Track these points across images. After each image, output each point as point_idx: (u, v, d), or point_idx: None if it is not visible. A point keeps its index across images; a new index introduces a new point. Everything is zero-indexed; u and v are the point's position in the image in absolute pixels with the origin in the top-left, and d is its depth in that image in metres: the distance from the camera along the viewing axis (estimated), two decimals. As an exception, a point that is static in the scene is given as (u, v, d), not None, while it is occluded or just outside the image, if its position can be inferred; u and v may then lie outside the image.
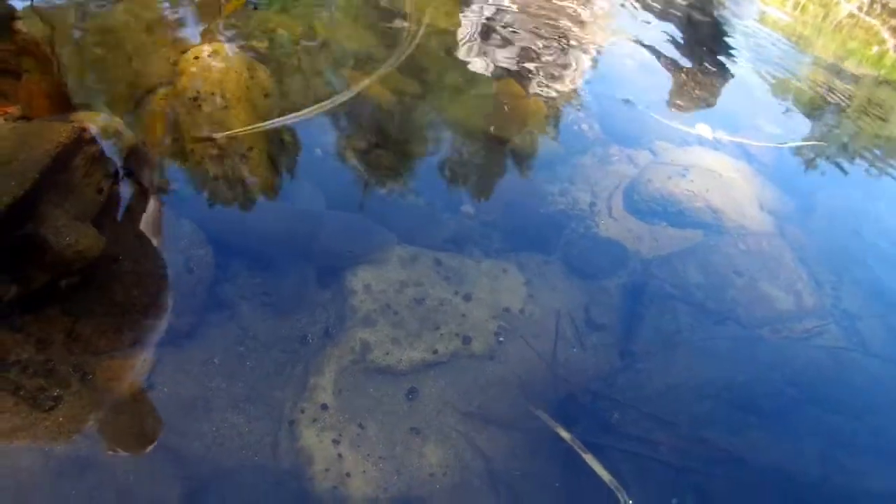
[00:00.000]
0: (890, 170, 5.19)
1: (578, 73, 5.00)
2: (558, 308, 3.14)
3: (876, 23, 9.94)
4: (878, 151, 5.44)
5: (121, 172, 2.82)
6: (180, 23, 4.11)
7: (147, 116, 3.25)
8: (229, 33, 4.05)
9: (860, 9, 10.58)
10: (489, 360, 2.85)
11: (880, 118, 6.20)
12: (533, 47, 5.15)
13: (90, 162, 2.64)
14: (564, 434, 2.57)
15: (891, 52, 8.77)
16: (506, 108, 4.26)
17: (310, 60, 4.10)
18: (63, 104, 3.19)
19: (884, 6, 10.87)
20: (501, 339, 2.92)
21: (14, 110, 2.94)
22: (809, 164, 4.91)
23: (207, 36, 3.94)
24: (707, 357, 3.10)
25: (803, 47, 7.71)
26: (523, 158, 3.98)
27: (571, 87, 4.80)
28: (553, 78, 4.80)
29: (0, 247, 2.28)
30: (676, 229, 3.78)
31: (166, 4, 4.26)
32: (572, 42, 5.43)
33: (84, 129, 2.65)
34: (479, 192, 3.63)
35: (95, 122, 2.77)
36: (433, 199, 3.51)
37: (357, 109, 3.85)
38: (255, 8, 4.47)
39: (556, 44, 5.31)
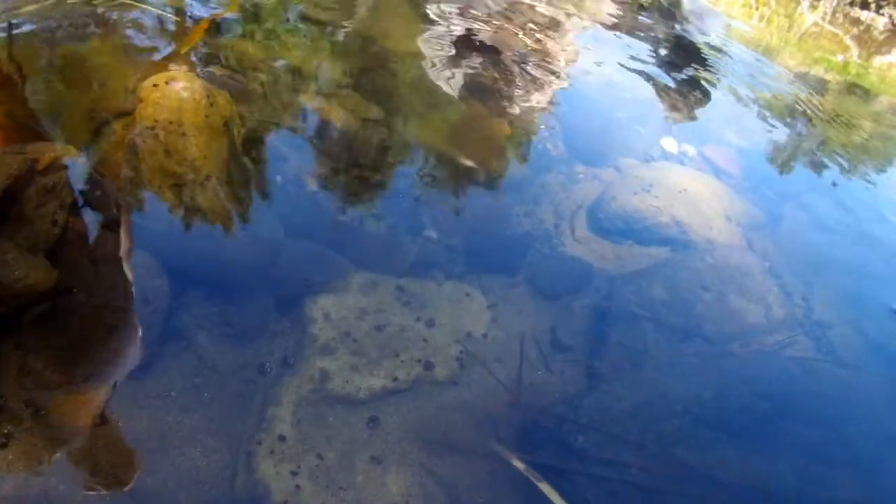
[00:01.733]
0: (857, 176, 5.24)
1: (543, 93, 5.00)
2: (523, 330, 3.12)
3: (839, 32, 10.10)
4: (845, 158, 5.49)
5: (77, 203, 2.79)
6: (145, 49, 4.09)
7: (105, 146, 3.22)
8: (192, 60, 4.03)
9: (823, 18, 10.74)
10: (452, 386, 2.81)
11: (847, 125, 6.27)
12: (497, 68, 5.15)
13: (44, 193, 2.61)
14: (518, 464, 2.54)
15: (855, 60, 8.90)
16: (469, 129, 4.26)
17: (273, 87, 4.08)
18: (20, 134, 3.16)
19: (846, 16, 11.05)
20: (464, 364, 2.89)
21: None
22: (778, 174, 4.94)
23: (170, 63, 3.92)
24: (675, 374, 3.08)
25: (770, 58, 7.79)
26: (487, 180, 3.96)
27: (536, 106, 4.80)
28: (518, 98, 4.80)
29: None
30: (642, 246, 3.76)
31: (134, 32, 4.24)
32: (537, 62, 5.44)
33: (37, 160, 2.62)
34: (442, 216, 3.59)
35: (51, 152, 2.74)
36: (395, 224, 3.47)
37: (318, 134, 3.83)
38: (222, 32, 4.47)
39: (520, 64, 5.32)
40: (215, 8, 4.85)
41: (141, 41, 4.16)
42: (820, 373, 3.29)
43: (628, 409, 2.87)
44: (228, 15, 4.83)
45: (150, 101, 3.19)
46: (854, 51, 9.40)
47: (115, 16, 4.34)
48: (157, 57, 4.02)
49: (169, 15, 4.54)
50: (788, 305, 3.62)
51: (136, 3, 4.45)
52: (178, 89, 3.24)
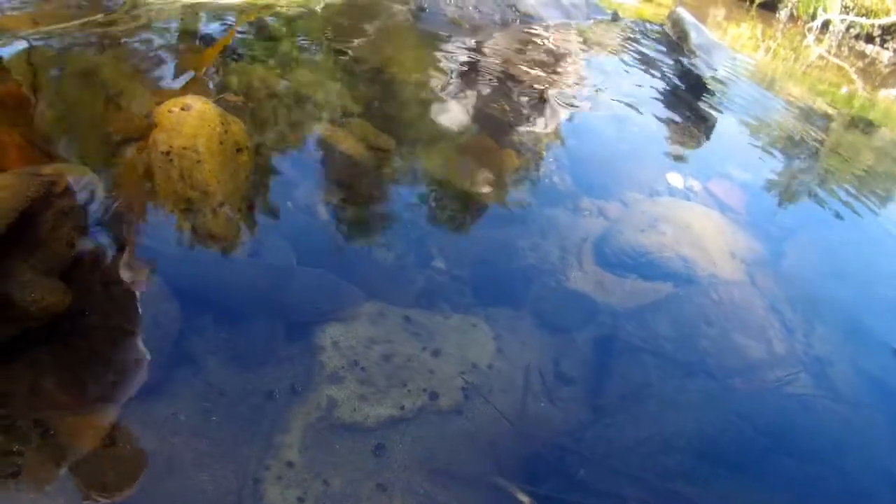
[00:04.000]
0: (859, 210, 5.27)
1: (550, 125, 5.06)
2: (527, 362, 3.14)
3: (845, 65, 10.19)
4: (846, 193, 5.53)
5: (91, 226, 2.82)
6: (160, 73, 4.15)
7: (120, 169, 3.26)
8: (206, 85, 4.09)
9: (829, 51, 10.85)
10: (456, 416, 2.83)
11: (850, 158, 6.32)
12: (506, 100, 5.21)
13: (60, 216, 2.64)
14: (524, 498, 2.56)
15: (860, 93, 8.97)
16: (477, 161, 4.30)
17: (286, 114, 4.14)
18: (36, 155, 3.20)
19: (851, 49, 11.16)
20: (469, 394, 2.91)
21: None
22: (781, 210, 4.98)
23: (185, 88, 3.97)
24: (677, 409, 3.10)
25: (774, 91, 7.87)
26: (495, 212, 4.01)
27: (544, 138, 4.86)
28: (525, 130, 4.86)
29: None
30: (647, 281, 3.80)
31: (148, 54, 4.30)
32: (545, 95, 5.50)
33: (54, 183, 2.66)
34: (450, 247, 3.63)
35: (67, 174, 2.78)
36: (404, 254, 3.51)
37: (329, 162, 3.88)
38: (235, 58, 4.53)
39: (529, 96, 5.38)
40: (228, 25, 4.94)
41: (155, 63, 4.23)
42: (819, 409, 3.30)
43: (630, 442, 2.89)
44: (239, 28, 4.91)
45: (165, 125, 3.24)
46: (859, 84, 9.48)
47: (128, 38, 4.41)
48: (170, 79, 4.08)
49: (178, 37, 4.62)
50: (789, 342, 3.64)
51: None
52: (192, 115, 3.28)
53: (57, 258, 2.60)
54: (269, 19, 5.47)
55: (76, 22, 4.42)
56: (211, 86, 4.12)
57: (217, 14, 5.24)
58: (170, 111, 3.29)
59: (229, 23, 5.11)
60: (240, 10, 5.44)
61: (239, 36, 4.95)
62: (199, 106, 3.34)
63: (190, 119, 3.26)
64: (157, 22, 4.85)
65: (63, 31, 4.29)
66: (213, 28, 4.94)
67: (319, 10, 6.00)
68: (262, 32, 5.18)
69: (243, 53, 4.68)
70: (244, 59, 4.60)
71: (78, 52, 4.12)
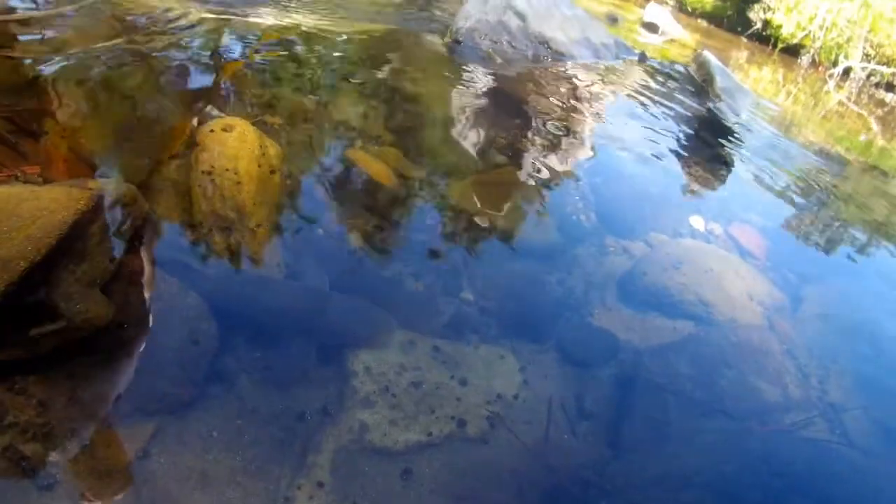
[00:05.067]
0: (874, 259, 5.32)
1: (577, 162, 5.13)
2: (551, 395, 3.19)
3: (864, 112, 10.26)
4: (863, 240, 5.58)
5: (130, 241, 2.88)
6: (196, 92, 4.24)
7: (160, 186, 3.32)
8: (244, 106, 4.17)
9: (849, 98, 10.94)
10: (482, 444, 2.88)
11: (866, 207, 6.36)
12: (535, 134, 5.29)
13: (105, 229, 2.71)
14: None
15: (878, 141, 9.02)
16: (506, 195, 4.37)
17: (318, 137, 4.21)
18: (81, 168, 3.28)
19: (871, 97, 11.25)
20: (494, 423, 2.96)
21: (35, 170, 3.02)
22: (799, 256, 5.02)
23: (223, 107, 4.05)
24: (696, 448, 3.14)
25: (794, 137, 7.93)
26: (521, 246, 4.07)
27: (570, 176, 4.93)
28: (553, 167, 4.93)
29: (12, 310, 2.32)
30: (669, 321, 3.85)
31: (185, 72, 4.41)
32: (571, 130, 5.58)
33: (102, 197, 2.72)
34: (476, 279, 3.69)
35: (112, 189, 2.85)
36: (432, 283, 3.59)
37: (359, 187, 3.95)
38: (268, 81, 4.63)
39: (557, 133, 5.46)
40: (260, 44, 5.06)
41: (191, 81, 4.34)
42: (833, 455, 3.33)
43: (651, 478, 2.93)
44: (271, 52, 5.01)
45: (207, 145, 3.32)
46: (877, 132, 9.53)
47: (165, 55, 4.52)
48: (207, 97, 4.17)
49: (212, 55, 4.73)
50: (805, 388, 3.68)
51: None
52: (234, 136, 3.36)
53: (100, 271, 2.66)
54: (301, 46, 5.58)
55: (112, 41, 4.52)
56: (248, 107, 4.20)
57: (247, 33, 5.38)
58: (212, 131, 3.37)
59: (260, 41, 5.24)
60: (267, 31, 5.57)
61: (271, 60, 5.06)
62: (241, 127, 3.43)
63: (231, 140, 3.34)
64: (191, 41, 4.96)
65: (102, 48, 4.39)
66: (243, 46, 5.07)
67: (345, 39, 6.12)
68: (295, 57, 5.28)
69: (276, 77, 4.78)
70: (277, 82, 4.70)
71: (117, 70, 4.21)
